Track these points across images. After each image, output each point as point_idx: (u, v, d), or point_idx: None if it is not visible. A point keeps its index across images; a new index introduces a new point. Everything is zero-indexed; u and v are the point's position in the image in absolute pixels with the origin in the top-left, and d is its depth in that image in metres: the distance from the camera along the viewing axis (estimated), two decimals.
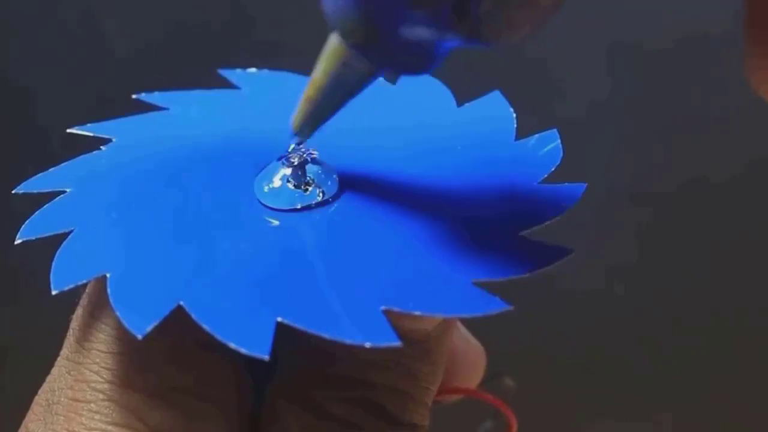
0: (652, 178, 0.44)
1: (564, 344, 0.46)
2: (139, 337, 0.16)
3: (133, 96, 0.23)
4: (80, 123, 0.22)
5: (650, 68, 0.42)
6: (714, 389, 0.47)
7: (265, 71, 0.25)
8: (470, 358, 0.23)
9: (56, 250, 0.18)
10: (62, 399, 0.18)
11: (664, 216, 0.45)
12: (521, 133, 0.22)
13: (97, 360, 0.18)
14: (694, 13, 0.41)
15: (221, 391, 0.19)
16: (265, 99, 0.23)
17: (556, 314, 0.46)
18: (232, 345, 0.15)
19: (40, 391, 0.19)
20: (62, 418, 0.18)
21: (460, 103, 0.23)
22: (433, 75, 0.24)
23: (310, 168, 0.20)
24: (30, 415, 0.19)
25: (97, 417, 0.18)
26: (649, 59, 0.41)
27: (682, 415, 0.48)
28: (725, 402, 0.48)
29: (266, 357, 0.15)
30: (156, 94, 0.23)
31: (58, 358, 0.19)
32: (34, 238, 0.18)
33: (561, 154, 0.20)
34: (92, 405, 0.18)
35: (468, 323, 0.23)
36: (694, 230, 0.45)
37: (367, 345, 0.15)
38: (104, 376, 0.18)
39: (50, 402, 0.18)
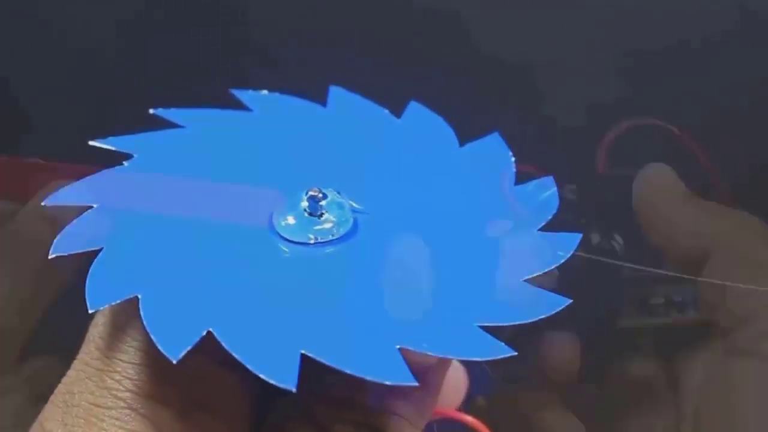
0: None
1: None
2: (174, 361, 0.17)
3: (151, 111, 0.24)
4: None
5: (651, 70, 0.42)
6: None
7: (276, 94, 0.26)
8: (454, 382, 0.24)
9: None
10: (83, 403, 0.19)
11: None
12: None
13: (119, 369, 0.19)
14: (695, 13, 0.41)
15: (236, 407, 0.20)
16: (278, 124, 0.25)
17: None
18: (263, 376, 0.16)
19: (56, 392, 0.20)
20: (83, 421, 0.19)
21: (461, 138, 0.25)
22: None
23: (328, 204, 0.21)
24: (46, 414, 0.19)
25: (117, 424, 0.18)
26: (650, 61, 0.42)
27: None
28: None
29: (293, 389, 0.16)
30: (172, 110, 0.24)
31: (75, 361, 0.20)
32: (66, 254, 0.19)
33: (558, 201, 0.22)
34: (113, 412, 0.19)
35: None
36: None
37: (387, 383, 0.17)
38: (126, 385, 0.19)
39: (69, 404, 0.19)
